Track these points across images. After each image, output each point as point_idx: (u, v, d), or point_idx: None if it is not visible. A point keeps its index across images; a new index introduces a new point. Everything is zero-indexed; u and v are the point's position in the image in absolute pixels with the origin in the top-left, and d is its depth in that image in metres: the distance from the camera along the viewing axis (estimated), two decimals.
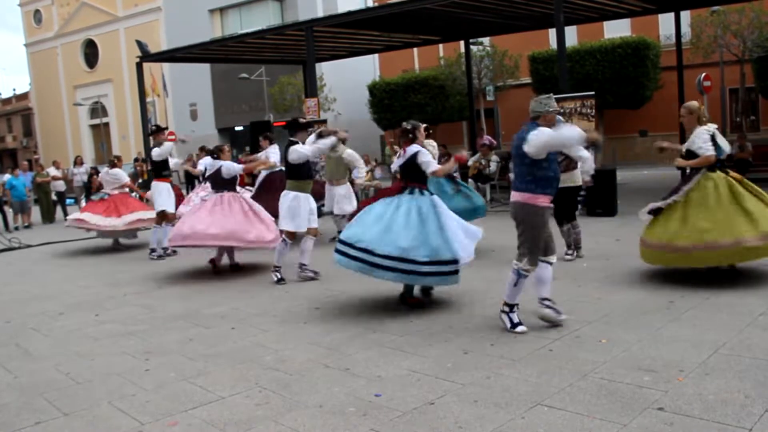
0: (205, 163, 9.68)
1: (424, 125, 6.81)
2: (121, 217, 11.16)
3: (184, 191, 15.54)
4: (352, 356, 4.78)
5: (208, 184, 11.63)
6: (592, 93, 13.03)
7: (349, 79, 29.59)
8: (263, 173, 10.72)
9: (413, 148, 6.09)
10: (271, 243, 8.16)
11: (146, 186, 17.20)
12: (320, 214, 8.79)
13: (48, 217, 18.42)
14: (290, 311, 6.27)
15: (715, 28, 22.44)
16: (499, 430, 3.44)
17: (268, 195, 9.77)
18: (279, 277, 7.62)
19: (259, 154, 10.93)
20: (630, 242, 7.69)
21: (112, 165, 11.99)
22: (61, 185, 18.86)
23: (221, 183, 8.67)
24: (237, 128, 33.73)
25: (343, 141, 8.74)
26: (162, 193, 10.11)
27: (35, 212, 18.20)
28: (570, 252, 7.82)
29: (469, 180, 14.39)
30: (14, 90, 70.61)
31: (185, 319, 6.22)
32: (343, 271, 7.88)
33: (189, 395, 4.22)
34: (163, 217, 10.11)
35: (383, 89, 29.20)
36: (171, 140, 10.58)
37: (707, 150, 6.12)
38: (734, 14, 21.85)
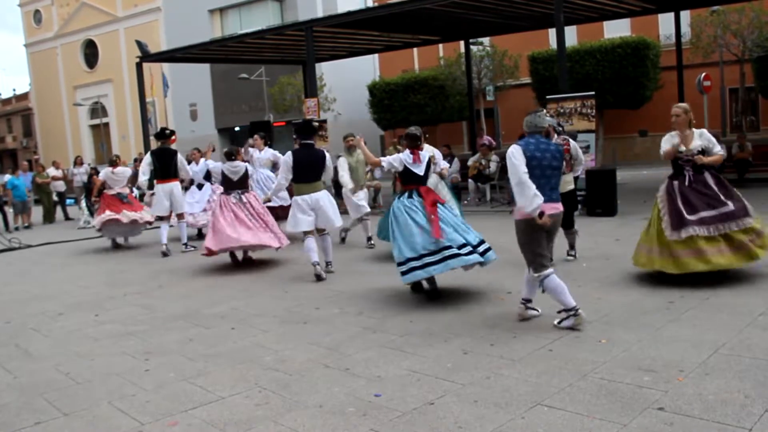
0: (210, 165, 10.23)
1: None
2: (121, 213, 11.33)
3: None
4: (352, 356, 4.78)
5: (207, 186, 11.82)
6: (592, 93, 13.04)
7: (349, 79, 29.59)
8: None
9: (426, 152, 6.55)
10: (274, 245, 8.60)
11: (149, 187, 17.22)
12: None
13: (48, 218, 18.42)
14: (290, 311, 6.27)
15: (715, 27, 22.45)
16: (499, 430, 3.44)
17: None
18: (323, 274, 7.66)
19: (255, 153, 10.95)
20: (630, 242, 7.67)
21: (115, 164, 12.00)
22: (61, 185, 18.86)
23: (232, 184, 8.95)
24: (236, 128, 33.71)
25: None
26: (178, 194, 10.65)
27: (35, 212, 18.20)
28: (572, 253, 7.78)
29: (469, 180, 14.39)
30: (14, 90, 70.69)
31: (185, 319, 6.22)
32: (343, 271, 7.93)
33: (189, 395, 4.22)
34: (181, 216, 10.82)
35: (383, 89, 29.19)
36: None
37: (723, 150, 6.20)
38: (734, 14, 21.86)
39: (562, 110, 12.08)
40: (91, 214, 15.67)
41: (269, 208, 9.28)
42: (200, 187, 11.82)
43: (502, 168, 14.63)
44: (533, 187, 4.88)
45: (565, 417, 3.51)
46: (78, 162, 19.54)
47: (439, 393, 3.97)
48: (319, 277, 7.47)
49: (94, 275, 9.19)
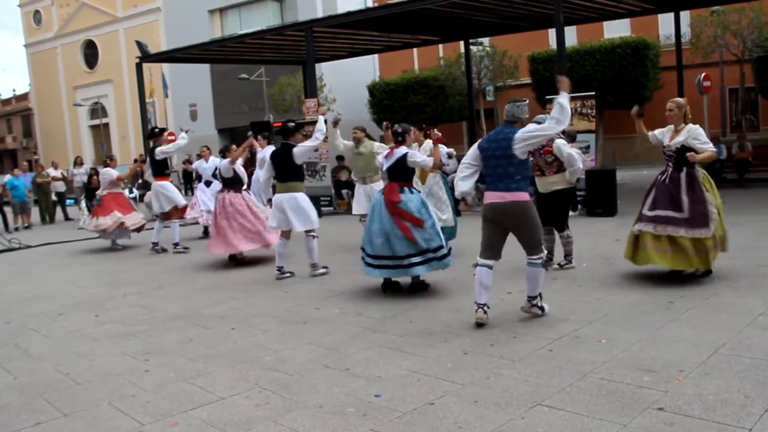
0: (216, 164, 10.31)
1: (423, 125, 6.92)
2: (110, 215, 11.30)
3: (182, 191, 15.57)
4: (352, 356, 4.78)
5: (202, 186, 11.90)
6: (593, 93, 13.04)
7: (348, 80, 29.58)
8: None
9: (401, 150, 6.53)
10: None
11: (146, 187, 17.23)
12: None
13: (48, 218, 18.42)
14: (290, 311, 6.27)
15: (715, 28, 22.46)
16: (499, 430, 3.44)
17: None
18: (287, 274, 7.81)
19: (258, 155, 10.98)
20: None
21: (105, 164, 12.04)
22: (61, 186, 18.87)
23: (227, 182, 9.00)
24: (248, 133, 33.71)
25: (335, 123, 8.73)
26: (169, 190, 10.71)
27: (35, 213, 18.21)
28: (567, 260, 7.48)
29: None
30: (14, 90, 70.77)
31: (185, 320, 6.22)
32: (343, 271, 7.92)
33: (189, 396, 4.22)
34: (176, 212, 10.84)
35: (383, 90, 29.20)
36: (171, 141, 10.94)
37: (712, 146, 6.18)
38: (734, 14, 21.87)
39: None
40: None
41: None
42: (208, 184, 11.87)
43: None
44: (460, 174, 5.55)
45: (565, 417, 3.51)
46: (78, 162, 19.55)
47: (439, 393, 3.97)
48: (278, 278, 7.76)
49: (94, 275, 9.19)
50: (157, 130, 11.04)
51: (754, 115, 25.30)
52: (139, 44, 18.30)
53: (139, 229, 11.76)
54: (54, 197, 18.76)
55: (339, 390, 4.13)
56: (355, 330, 5.46)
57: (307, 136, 8.33)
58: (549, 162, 7.25)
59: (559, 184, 7.26)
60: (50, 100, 44.92)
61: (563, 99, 5.14)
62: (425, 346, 4.88)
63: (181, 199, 10.93)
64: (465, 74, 22.22)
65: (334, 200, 15.72)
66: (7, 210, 17.07)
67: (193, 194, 12.52)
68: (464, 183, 5.54)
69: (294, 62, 21.80)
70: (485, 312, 5.22)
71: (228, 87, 33.53)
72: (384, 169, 6.68)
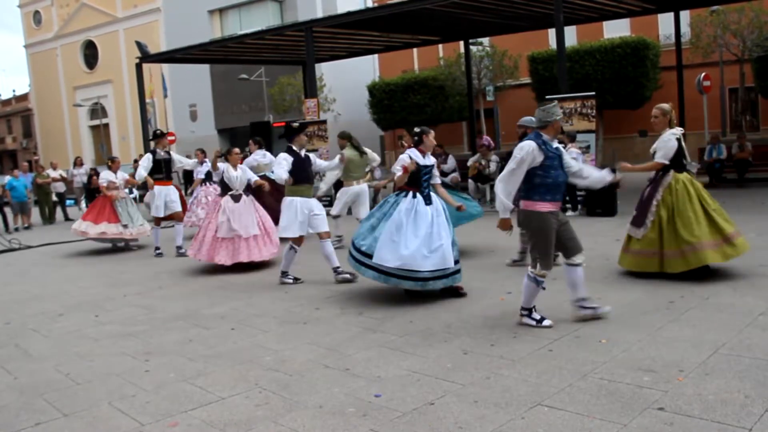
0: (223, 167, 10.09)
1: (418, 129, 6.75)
2: (97, 225, 11.22)
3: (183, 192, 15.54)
4: (352, 356, 4.78)
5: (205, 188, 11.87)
6: (593, 93, 13.04)
7: (348, 80, 29.59)
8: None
9: (406, 153, 6.35)
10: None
11: (146, 187, 17.21)
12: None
13: (48, 218, 18.42)
14: (290, 311, 6.27)
15: (715, 27, 22.45)
16: (499, 430, 3.44)
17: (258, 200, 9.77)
18: (291, 280, 7.59)
19: (248, 159, 10.96)
20: None
21: (108, 166, 12.02)
22: (60, 186, 18.87)
23: (228, 187, 8.80)
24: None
25: (341, 160, 8.70)
26: (170, 195, 10.53)
27: (35, 213, 18.21)
28: (522, 257, 7.68)
29: (469, 180, 14.39)
30: (14, 91, 70.91)
31: (185, 320, 6.22)
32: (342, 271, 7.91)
33: (189, 396, 4.22)
34: (177, 215, 10.67)
35: (383, 90, 29.20)
36: (171, 141, 10.90)
37: (662, 158, 6.34)
38: (734, 14, 21.86)
39: (562, 110, 12.07)
40: None
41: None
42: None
43: (502, 168, 14.65)
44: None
45: (565, 417, 3.51)
46: (78, 163, 19.55)
47: (439, 393, 3.97)
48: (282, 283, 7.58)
49: (94, 276, 9.19)
50: (158, 132, 10.99)
51: (754, 115, 25.30)
52: (139, 44, 18.30)
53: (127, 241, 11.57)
54: (54, 198, 18.75)
55: (339, 390, 4.13)
56: (355, 330, 5.46)
57: (311, 137, 8.34)
58: None
59: None
60: (50, 100, 44.93)
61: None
62: (425, 346, 4.88)
63: (177, 207, 10.71)
64: (465, 74, 22.22)
65: (334, 200, 15.71)
66: (7, 210, 17.07)
67: (192, 194, 12.42)
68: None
69: (294, 62, 21.81)
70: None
71: (228, 87, 33.54)
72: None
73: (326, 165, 8.57)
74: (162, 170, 10.49)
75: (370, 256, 6.17)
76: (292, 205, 7.37)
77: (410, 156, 6.27)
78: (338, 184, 10.31)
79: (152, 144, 10.89)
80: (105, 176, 11.55)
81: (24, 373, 4.92)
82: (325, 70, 27.30)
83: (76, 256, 11.34)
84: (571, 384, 3.95)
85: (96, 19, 41.17)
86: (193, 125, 36.00)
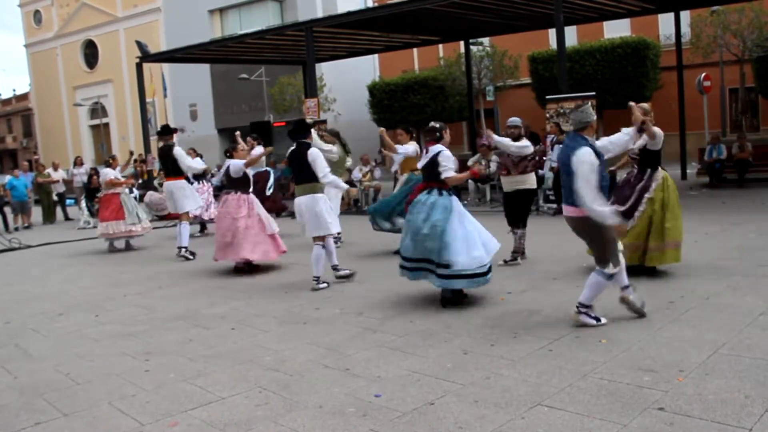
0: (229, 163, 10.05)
1: (410, 128, 6.72)
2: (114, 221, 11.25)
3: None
4: (352, 356, 4.78)
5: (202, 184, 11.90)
6: (593, 93, 13.03)
7: (348, 80, 29.57)
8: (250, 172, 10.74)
9: (436, 147, 6.08)
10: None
11: (146, 187, 17.24)
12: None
13: (48, 218, 18.42)
14: (290, 311, 6.27)
15: (715, 28, 22.42)
16: (499, 430, 3.44)
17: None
18: (325, 285, 7.20)
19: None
20: None
21: (107, 165, 12.02)
22: (61, 186, 18.88)
23: (233, 183, 8.72)
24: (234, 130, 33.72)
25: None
26: (186, 191, 10.41)
27: (35, 213, 18.21)
28: (515, 257, 7.75)
29: (469, 180, 14.40)
30: (14, 90, 70.75)
31: (185, 320, 6.22)
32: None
33: (189, 396, 4.22)
34: (185, 214, 10.48)
35: (383, 90, 29.18)
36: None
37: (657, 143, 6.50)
38: (734, 14, 21.83)
39: (562, 110, 12.08)
40: (92, 214, 15.68)
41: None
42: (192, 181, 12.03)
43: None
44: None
45: (565, 417, 3.51)
46: (78, 162, 19.55)
47: (439, 393, 3.97)
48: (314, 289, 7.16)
49: (94, 276, 9.19)
50: (163, 128, 11.00)
51: (754, 116, 25.28)
52: (139, 44, 18.30)
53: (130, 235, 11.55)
54: (55, 197, 18.76)
55: (339, 390, 4.13)
56: (355, 330, 5.46)
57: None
58: (515, 162, 7.60)
59: (524, 184, 7.68)
60: (50, 100, 44.91)
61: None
62: (425, 346, 4.88)
63: (191, 206, 10.55)
64: (465, 74, 22.20)
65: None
66: (7, 210, 17.07)
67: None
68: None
69: (294, 62, 21.80)
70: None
71: (228, 87, 33.51)
72: (419, 167, 6.40)
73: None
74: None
75: (447, 266, 5.78)
76: (327, 202, 7.42)
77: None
78: (349, 184, 10.48)
79: (164, 139, 10.75)
80: (107, 173, 11.58)
81: (24, 373, 4.92)
82: (325, 70, 27.27)
83: (76, 256, 11.34)
84: (571, 384, 3.95)
85: (96, 18, 41.15)
86: (194, 125, 35.98)
